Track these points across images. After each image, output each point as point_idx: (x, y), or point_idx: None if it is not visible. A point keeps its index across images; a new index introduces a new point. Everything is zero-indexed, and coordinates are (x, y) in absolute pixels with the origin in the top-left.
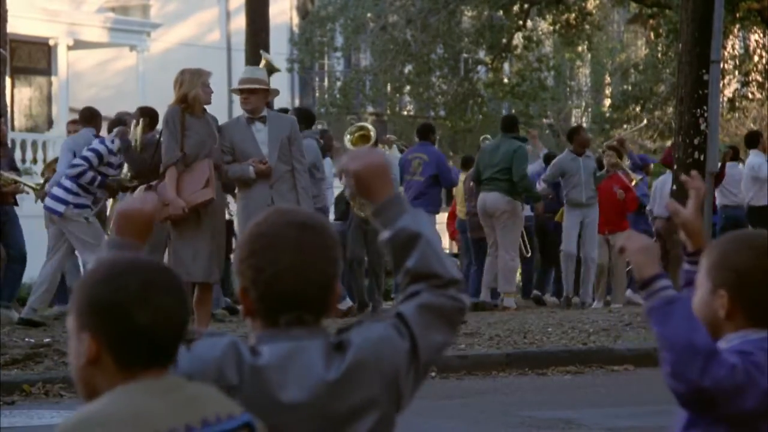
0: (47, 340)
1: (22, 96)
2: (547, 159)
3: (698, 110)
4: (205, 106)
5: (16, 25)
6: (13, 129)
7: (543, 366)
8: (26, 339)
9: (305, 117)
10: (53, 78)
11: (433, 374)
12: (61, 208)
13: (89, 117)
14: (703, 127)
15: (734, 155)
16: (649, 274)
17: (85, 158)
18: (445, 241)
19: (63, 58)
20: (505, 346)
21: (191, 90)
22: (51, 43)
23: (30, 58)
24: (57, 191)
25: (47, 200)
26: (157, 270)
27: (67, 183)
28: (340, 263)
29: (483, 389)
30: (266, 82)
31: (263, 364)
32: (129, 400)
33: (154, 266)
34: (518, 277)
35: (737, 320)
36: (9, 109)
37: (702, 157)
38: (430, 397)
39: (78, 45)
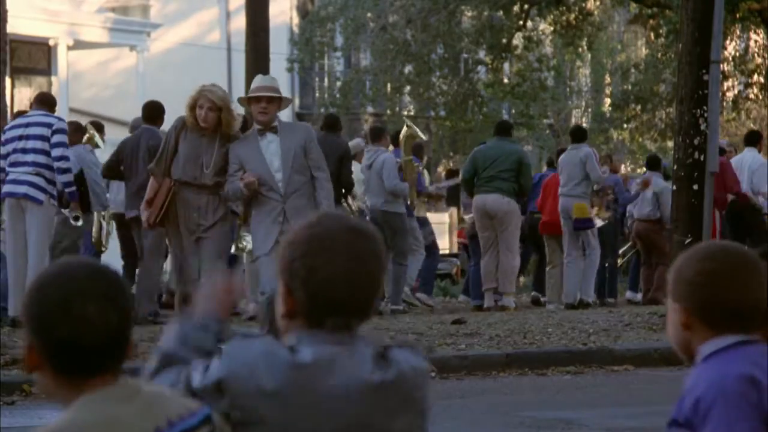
0: None
1: (22, 96)
2: (550, 164)
3: (698, 110)
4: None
5: (16, 25)
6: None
7: (543, 366)
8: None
9: (332, 123)
10: (53, 78)
11: (433, 374)
12: (41, 196)
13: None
14: (703, 127)
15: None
16: None
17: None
18: (443, 242)
19: (63, 59)
20: (505, 347)
21: (186, 111)
22: (51, 43)
23: (30, 58)
24: (36, 179)
25: (21, 187)
26: (84, 277)
27: (48, 172)
28: (387, 271)
29: (483, 389)
30: (280, 94)
31: (307, 362)
32: (100, 408)
33: (83, 273)
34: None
35: (696, 330)
36: (9, 110)
37: (702, 157)
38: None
39: (78, 45)
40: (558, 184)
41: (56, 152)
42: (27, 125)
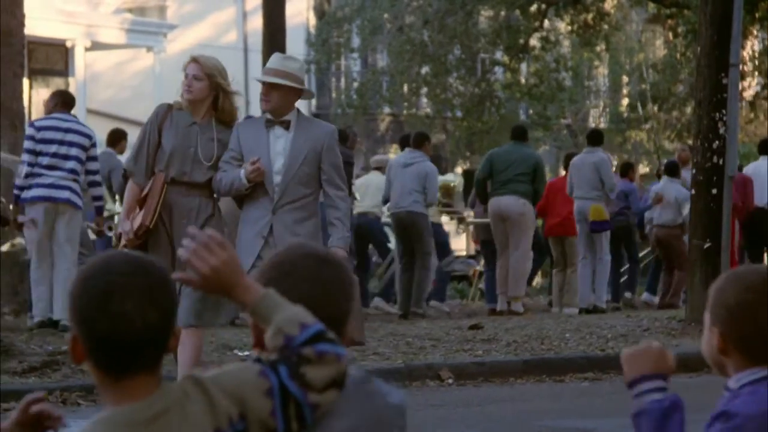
0: (65, 347)
1: (40, 97)
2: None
3: (717, 114)
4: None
5: (33, 27)
6: None
7: (561, 373)
8: (44, 346)
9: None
10: (71, 79)
11: (450, 381)
12: (80, 203)
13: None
14: (722, 130)
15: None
16: (630, 377)
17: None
18: (459, 243)
19: (80, 60)
20: (523, 353)
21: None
22: (68, 44)
23: (48, 59)
24: (75, 186)
25: (64, 192)
26: (126, 272)
27: (81, 178)
28: (355, 302)
29: (500, 397)
30: (298, 78)
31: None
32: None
33: (125, 268)
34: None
35: (733, 357)
36: (27, 110)
37: (721, 161)
38: (447, 404)
39: (95, 46)
40: (562, 187)
41: (93, 166)
42: (66, 131)
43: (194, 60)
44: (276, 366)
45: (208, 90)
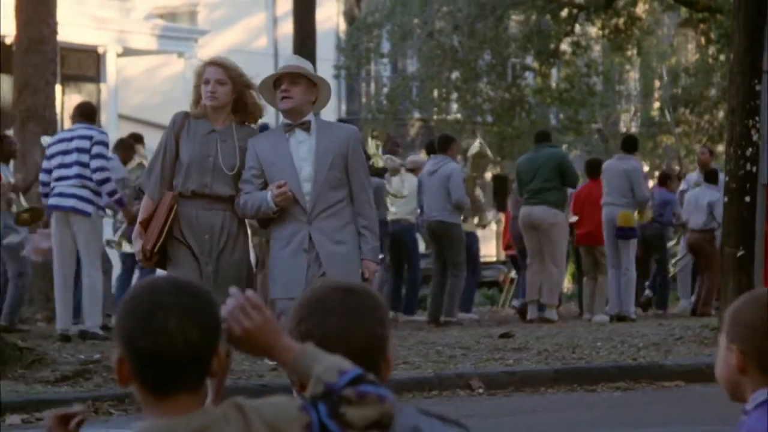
0: (97, 356)
1: (72, 103)
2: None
3: (750, 121)
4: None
5: (66, 34)
6: None
7: (592, 382)
8: (76, 355)
9: None
10: (102, 85)
11: (481, 391)
12: (89, 208)
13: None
14: (755, 138)
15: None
16: None
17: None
18: (490, 249)
19: (112, 65)
20: (554, 362)
21: (191, 102)
22: (100, 50)
23: (80, 65)
24: (82, 192)
25: (68, 200)
26: (169, 292)
27: (92, 184)
28: (389, 325)
29: (531, 407)
30: (314, 74)
31: None
32: None
33: (168, 288)
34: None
35: (751, 375)
36: (59, 116)
37: (754, 169)
38: (477, 415)
39: (127, 52)
40: (589, 195)
41: (94, 164)
42: (70, 139)
43: (214, 63)
44: (316, 403)
45: (232, 94)
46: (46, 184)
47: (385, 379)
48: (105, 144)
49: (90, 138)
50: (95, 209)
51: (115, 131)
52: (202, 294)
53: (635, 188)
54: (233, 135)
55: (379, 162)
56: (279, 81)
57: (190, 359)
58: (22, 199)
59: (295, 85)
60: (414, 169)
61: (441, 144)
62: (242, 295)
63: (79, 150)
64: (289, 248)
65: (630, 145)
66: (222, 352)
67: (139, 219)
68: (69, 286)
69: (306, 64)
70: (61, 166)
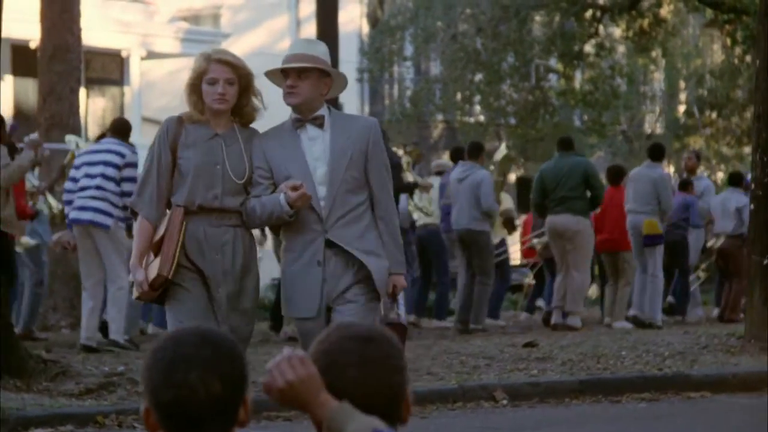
0: (121, 368)
1: (96, 106)
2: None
3: None
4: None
5: (90, 38)
6: (87, 138)
7: (617, 393)
8: (100, 367)
9: None
10: (126, 88)
11: (504, 402)
12: (108, 221)
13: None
14: None
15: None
16: None
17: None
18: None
19: (136, 69)
20: (579, 372)
21: (187, 100)
22: (124, 54)
23: (104, 68)
24: (101, 204)
25: (86, 213)
26: (191, 344)
27: (113, 197)
28: (406, 368)
29: (555, 419)
30: (326, 62)
31: None
32: None
33: (191, 339)
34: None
35: None
36: (83, 119)
37: None
38: (502, 428)
39: (150, 55)
40: (610, 201)
41: (125, 187)
42: (98, 152)
43: (221, 61)
44: None
45: (239, 93)
46: (70, 192)
47: (406, 419)
48: (136, 166)
49: (122, 156)
50: (114, 221)
51: (138, 134)
52: (226, 344)
53: (662, 197)
54: (238, 138)
55: (409, 177)
56: (287, 69)
57: (214, 411)
58: (51, 198)
59: (303, 78)
60: (440, 173)
61: (471, 151)
62: (290, 350)
63: (105, 163)
64: (302, 261)
65: (657, 153)
66: (248, 399)
67: (139, 245)
68: (94, 297)
69: (317, 50)
70: (86, 176)
